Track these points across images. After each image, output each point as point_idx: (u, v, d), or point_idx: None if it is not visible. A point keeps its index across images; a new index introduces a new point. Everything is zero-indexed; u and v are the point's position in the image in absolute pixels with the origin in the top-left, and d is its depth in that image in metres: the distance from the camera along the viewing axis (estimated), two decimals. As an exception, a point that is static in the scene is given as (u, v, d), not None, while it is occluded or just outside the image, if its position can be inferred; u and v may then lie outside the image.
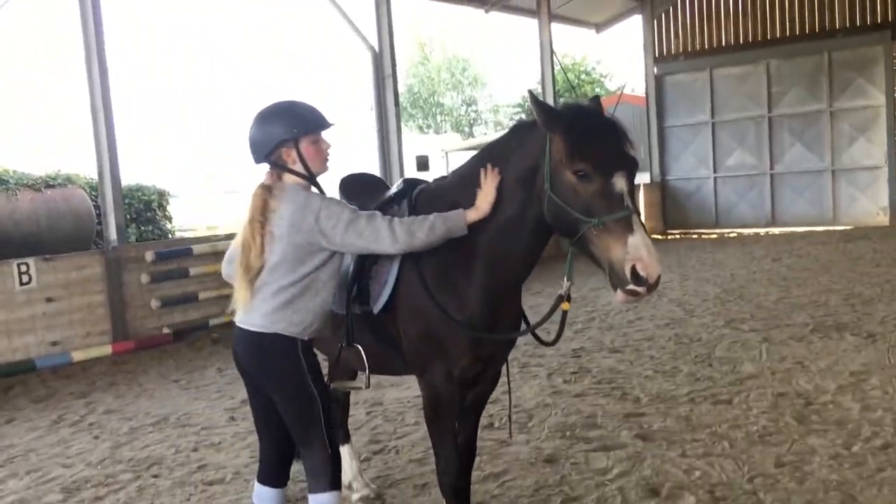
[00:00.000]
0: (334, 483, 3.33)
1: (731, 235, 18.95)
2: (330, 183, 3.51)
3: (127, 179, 12.77)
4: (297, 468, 3.77)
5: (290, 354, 3.26)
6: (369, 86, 14.04)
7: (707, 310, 9.63)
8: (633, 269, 2.94)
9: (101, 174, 9.68)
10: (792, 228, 18.84)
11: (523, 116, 35.79)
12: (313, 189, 3.36)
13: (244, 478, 5.06)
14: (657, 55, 20.78)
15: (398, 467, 5.07)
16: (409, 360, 3.60)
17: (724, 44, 19.99)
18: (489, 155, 3.48)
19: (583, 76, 38.96)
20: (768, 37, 19.41)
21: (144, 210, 15.42)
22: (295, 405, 3.29)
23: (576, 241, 3.14)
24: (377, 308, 3.51)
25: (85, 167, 14.38)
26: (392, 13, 13.69)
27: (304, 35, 61.65)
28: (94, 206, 12.78)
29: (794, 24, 19.12)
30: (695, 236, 19.43)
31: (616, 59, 56.87)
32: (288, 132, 3.27)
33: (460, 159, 3.77)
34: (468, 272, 3.43)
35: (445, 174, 3.82)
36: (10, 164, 13.69)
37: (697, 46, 20.33)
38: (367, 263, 3.56)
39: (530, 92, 3.29)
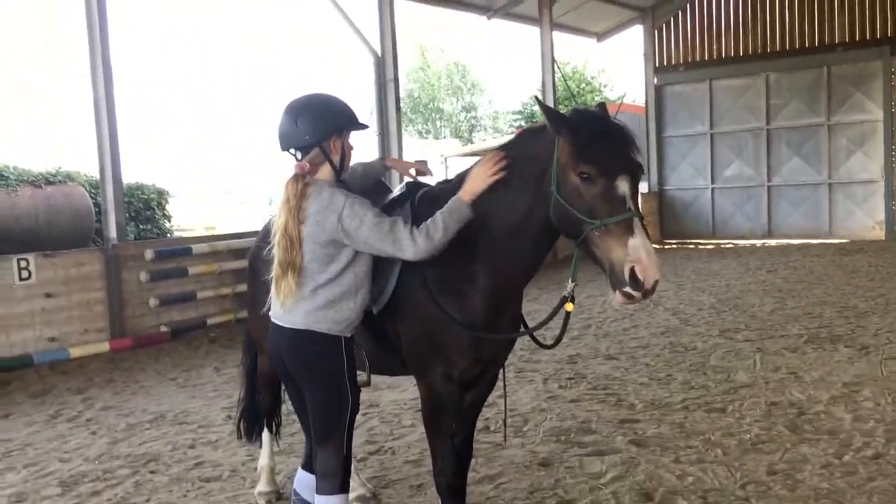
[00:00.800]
0: (343, 487, 3.35)
1: (728, 246, 19.03)
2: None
3: (126, 178, 12.80)
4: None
5: (333, 354, 3.30)
6: (371, 90, 14.11)
7: (702, 319, 9.69)
8: (632, 272, 2.99)
9: (102, 172, 9.72)
10: (788, 240, 18.92)
11: (523, 123, 35.96)
12: (338, 185, 3.41)
13: (241, 475, 5.10)
14: (657, 65, 20.89)
15: (394, 468, 5.11)
16: (409, 361, 3.63)
17: (724, 56, 20.10)
18: None
19: (583, 85, 39.05)
20: (768, 50, 19.53)
21: (144, 209, 15.44)
22: (326, 404, 3.32)
23: (579, 243, 3.19)
24: (377, 308, 3.53)
25: (85, 165, 14.43)
26: (395, 18, 13.76)
27: (305, 37, 61.79)
28: (94, 203, 12.82)
29: (793, 38, 19.23)
30: (691, 246, 19.51)
31: (616, 68, 57.02)
32: (342, 122, 3.38)
33: (459, 165, 3.82)
34: (471, 275, 3.47)
35: (448, 178, 3.86)
36: (10, 161, 13.74)
37: (697, 57, 20.43)
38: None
39: (536, 97, 3.35)
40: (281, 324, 3.35)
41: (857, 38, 18.44)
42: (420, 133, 46.32)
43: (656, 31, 20.85)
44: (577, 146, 3.13)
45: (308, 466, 3.60)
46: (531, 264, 3.51)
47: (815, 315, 9.60)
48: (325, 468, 3.33)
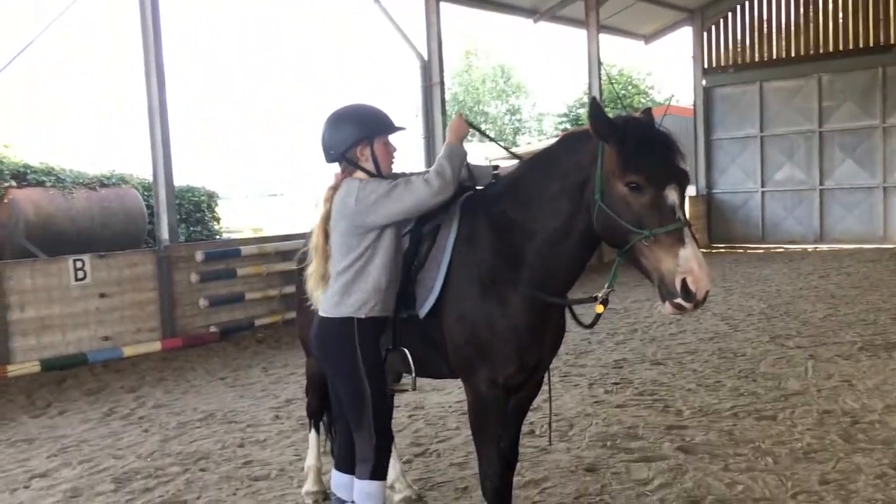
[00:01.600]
0: (376, 472, 3.46)
1: (778, 251, 18.68)
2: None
3: (177, 180, 13.06)
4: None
5: (345, 335, 3.45)
6: (416, 93, 14.18)
7: (752, 325, 9.53)
8: (684, 283, 2.96)
9: (155, 175, 9.96)
10: (841, 245, 18.50)
11: (568, 126, 35.75)
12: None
13: (289, 475, 5.17)
14: (706, 67, 20.60)
15: (439, 470, 5.13)
16: (455, 365, 3.65)
17: (774, 57, 19.74)
18: (537, 162, 3.53)
19: (629, 87, 38.71)
20: (820, 51, 19.12)
21: (194, 211, 15.73)
22: (346, 387, 3.50)
23: (625, 252, 3.17)
24: (423, 312, 3.57)
25: (138, 167, 14.74)
26: (441, 22, 13.81)
27: (352, 42, 62.33)
28: (146, 205, 13.09)
29: (847, 39, 18.80)
30: (740, 250, 19.19)
31: (663, 70, 56.35)
32: (365, 131, 3.48)
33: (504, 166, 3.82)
34: (514, 281, 3.47)
35: (493, 180, 3.84)
36: (65, 163, 14.09)
37: (747, 59, 20.10)
38: (414, 269, 3.63)
39: (594, 99, 3.31)
40: (318, 314, 3.58)
41: (914, 38, 17.98)
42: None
43: (705, 33, 20.56)
44: (624, 154, 3.10)
45: (341, 466, 3.75)
46: (574, 270, 3.50)
47: (869, 322, 9.37)
48: (360, 454, 3.51)
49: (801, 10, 19.29)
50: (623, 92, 35.11)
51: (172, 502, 4.84)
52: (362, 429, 3.46)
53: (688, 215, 3.17)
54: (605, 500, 4.52)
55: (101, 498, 4.97)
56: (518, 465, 4.19)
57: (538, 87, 55.27)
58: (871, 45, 18.47)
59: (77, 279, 8.81)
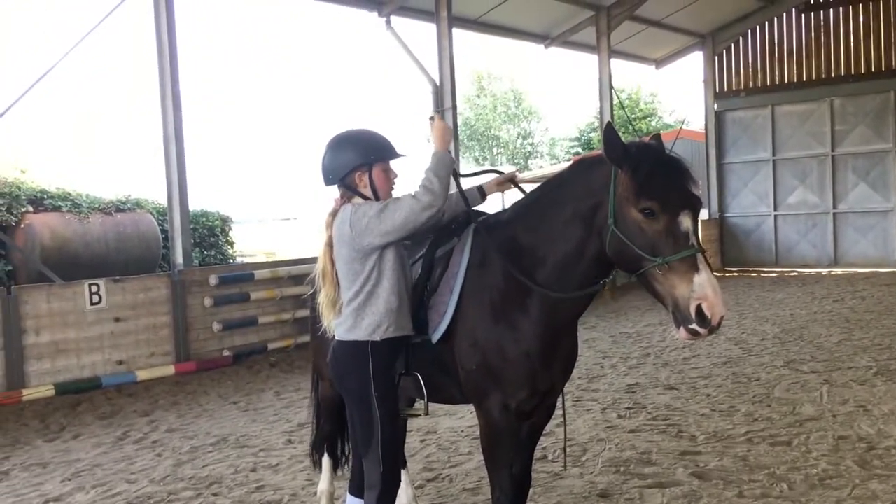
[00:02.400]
0: (382, 500, 3.47)
1: (791, 274, 18.58)
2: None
3: (192, 205, 13.19)
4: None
5: (360, 360, 3.44)
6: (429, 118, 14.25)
7: (766, 349, 9.48)
8: (699, 309, 2.97)
9: (169, 201, 10.05)
10: (855, 269, 18.39)
11: (580, 150, 35.86)
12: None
13: (301, 499, 5.16)
14: (717, 91, 20.64)
15: (452, 495, 5.11)
16: (466, 390, 3.65)
17: (786, 81, 19.76)
18: (550, 189, 3.56)
19: (638, 111, 38.81)
20: (832, 75, 19.12)
21: (208, 235, 15.86)
22: (357, 412, 3.49)
23: (638, 276, 3.18)
24: (435, 337, 3.58)
25: (153, 192, 14.88)
26: (454, 47, 13.93)
27: (365, 67, 62.90)
28: (161, 229, 13.20)
29: (858, 63, 18.81)
30: (753, 274, 19.10)
31: (673, 93, 56.56)
32: (364, 157, 3.47)
33: (516, 192, 3.86)
34: (525, 306, 3.49)
35: (504, 207, 3.89)
36: (81, 188, 14.25)
37: (759, 83, 20.13)
38: (426, 294, 3.65)
39: (609, 124, 3.34)
40: (334, 339, 3.59)
41: (926, 62, 17.97)
42: (477, 160, 46.59)
43: (716, 57, 20.62)
44: (638, 181, 3.12)
45: (354, 490, 3.77)
46: (585, 295, 3.50)
47: (884, 346, 9.30)
48: (368, 480, 3.50)
49: (812, 34, 19.33)
50: (634, 116, 35.19)
51: (185, 527, 4.84)
52: (370, 455, 3.45)
53: (700, 239, 3.19)
54: (619, 527, 4.49)
55: (114, 522, 4.98)
56: (531, 490, 4.17)
57: (551, 111, 55.58)
58: (883, 69, 18.46)
59: (92, 303, 8.88)
